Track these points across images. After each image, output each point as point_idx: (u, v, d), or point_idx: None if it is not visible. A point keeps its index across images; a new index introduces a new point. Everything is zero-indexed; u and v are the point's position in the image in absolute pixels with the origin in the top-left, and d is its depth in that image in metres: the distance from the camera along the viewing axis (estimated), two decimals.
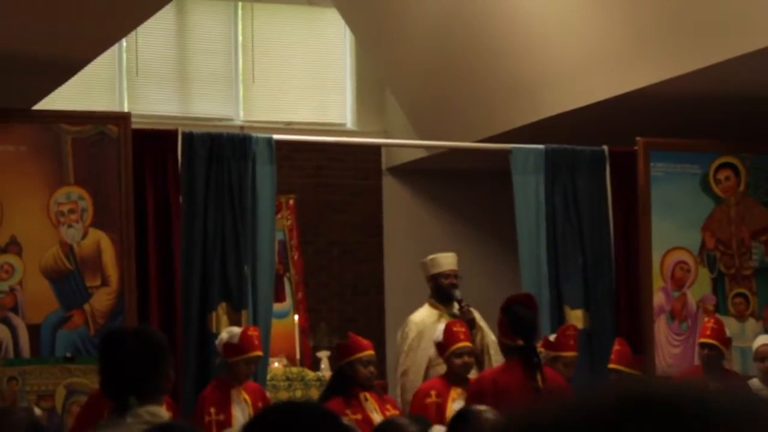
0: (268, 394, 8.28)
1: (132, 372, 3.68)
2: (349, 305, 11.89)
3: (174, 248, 8.50)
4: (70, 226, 8.30)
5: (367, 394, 7.69)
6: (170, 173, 8.57)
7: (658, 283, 9.27)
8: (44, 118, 8.44)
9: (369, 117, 12.15)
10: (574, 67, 9.24)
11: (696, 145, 9.49)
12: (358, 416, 7.46)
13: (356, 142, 11.38)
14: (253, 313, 8.57)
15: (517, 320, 7.05)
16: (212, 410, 7.62)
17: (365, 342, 7.84)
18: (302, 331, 10.59)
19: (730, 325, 8.77)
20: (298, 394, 9.59)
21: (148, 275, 8.44)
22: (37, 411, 7.65)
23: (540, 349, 7.86)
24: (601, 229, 9.33)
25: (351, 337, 7.91)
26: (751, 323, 9.43)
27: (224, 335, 7.90)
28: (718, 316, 9.03)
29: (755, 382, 8.46)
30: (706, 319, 9.08)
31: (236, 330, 7.94)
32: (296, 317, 10.63)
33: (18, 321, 8.17)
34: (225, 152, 8.68)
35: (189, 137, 8.68)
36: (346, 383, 7.66)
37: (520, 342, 7.02)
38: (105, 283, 8.31)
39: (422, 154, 11.49)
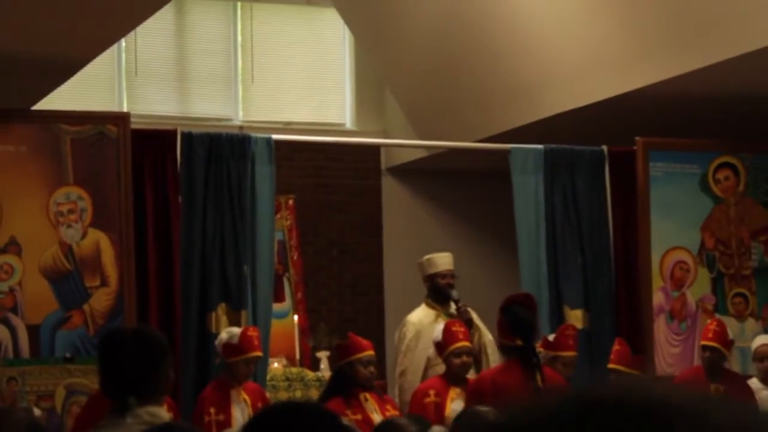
0: (267, 394, 8.28)
1: (132, 372, 3.68)
2: (349, 305, 11.89)
3: (173, 248, 8.50)
4: (69, 226, 8.30)
5: (367, 395, 7.69)
6: (169, 173, 8.56)
7: (657, 283, 9.27)
8: (43, 118, 8.44)
9: (368, 117, 12.15)
10: (574, 67, 9.24)
11: (695, 145, 9.49)
12: (358, 416, 7.45)
13: (355, 142, 11.38)
14: (253, 313, 8.57)
15: (515, 320, 7.06)
16: (212, 410, 7.62)
17: (365, 342, 7.83)
18: (302, 332, 10.59)
19: (730, 325, 8.77)
20: (298, 394, 9.58)
21: (147, 275, 8.44)
22: (37, 411, 7.66)
23: (539, 349, 7.86)
24: (600, 229, 9.33)
25: (351, 337, 7.91)
26: (751, 323, 9.44)
27: (224, 336, 7.89)
28: (720, 318, 9.01)
29: (755, 382, 8.46)
30: (708, 320, 9.08)
31: (236, 330, 7.93)
32: (296, 317, 10.62)
33: (17, 321, 8.17)
34: (224, 152, 8.67)
35: (188, 137, 8.68)
36: (346, 383, 7.65)
37: (519, 342, 7.03)
38: (104, 283, 8.31)
39: (422, 154, 11.49)
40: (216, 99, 11.79)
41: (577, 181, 9.35)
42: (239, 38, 11.82)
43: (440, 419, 7.46)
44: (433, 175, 11.96)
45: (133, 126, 8.53)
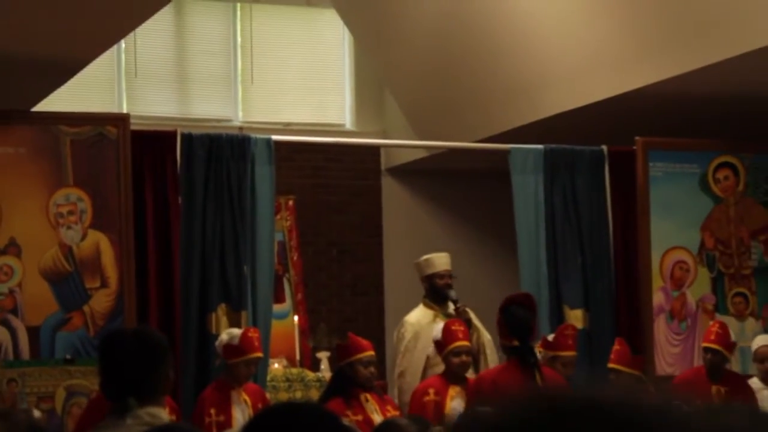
0: (267, 395, 8.28)
1: (132, 373, 3.68)
2: (349, 306, 11.89)
3: (173, 249, 8.49)
4: (69, 227, 8.30)
5: (368, 395, 7.69)
6: (169, 174, 8.57)
7: (657, 282, 9.27)
8: (43, 120, 8.43)
9: (368, 117, 12.15)
10: (573, 67, 9.23)
11: (695, 145, 9.49)
12: (359, 417, 7.45)
13: (355, 142, 11.37)
14: (253, 313, 8.57)
15: (512, 321, 7.08)
16: (212, 411, 7.62)
17: (365, 342, 7.83)
18: (302, 332, 10.58)
19: (730, 325, 8.77)
20: (298, 395, 9.58)
21: (147, 276, 8.44)
22: (37, 413, 7.66)
23: (539, 349, 7.87)
24: (600, 229, 9.33)
25: (351, 337, 7.91)
26: (751, 323, 9.43)
27: (224, 337, 7.89)
28: (722, 320, 8.99)
29: (755, 382, 8.46)
30: (708, 320, 9.08)
31: (236, 331, 7.93)
32: (296, 318, 10.62)
33: (17, 323, 8.17)
34: (224, 153, 8.67)
35: (188, 138, 8.68)
36: (347, 384, 7.65)
37: (516, 342, 7.05)
38: (104, 284, 8.31)
39: (421, 154, 11.49)
40: (216, 100, 11.79)
41: (577, 181, 9.35)
42: (239, 39, 11.82)
43: (440, 418, 7.47)
44: (433, 176, 11.96)
45: (133, 127, 8.53)
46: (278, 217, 10.09)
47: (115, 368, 3.74)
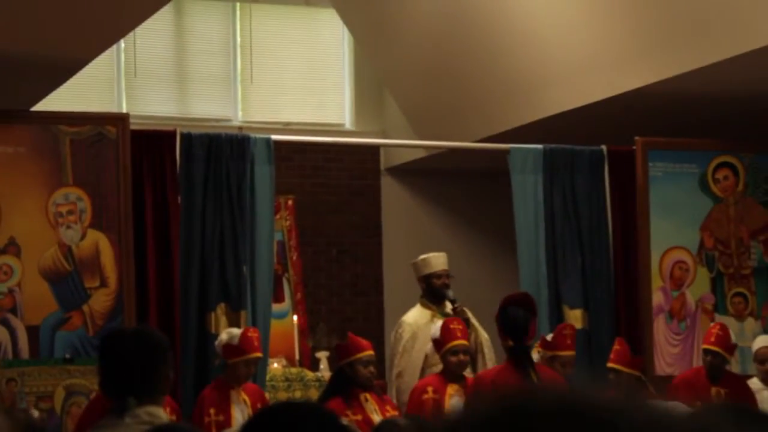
0: (267, 395, 8.28)
1: (131, 372, 3.68)
2: (348, 305, 11.89)
3: (173, 249, 8.49)
4: (68, 227, 8.30)
5: (367, 395, 7.68)
6: (169, 174, 8.56)
7: (656, 282, 9.27)
8: (43, 119, 8.43)
9: (367, 117, 12.14)
10: (573, 67, 9.23)
11: (694, 145, 9.49)
12: (359, 417, 7.45)
13: (355, 142, 11.37)
14: (252, 313, 8.57)
15: (508, 321, 7.11)
16: (212, 411, 7.62)
17: (365, 342, 7.83)
18: (301, 332, 10.58)
19: (729, 324, 8.77)
20: (298, 394, 9.58)
21: (146, 276, 8.44)
22: (35, 413, 7.66)
23: (538, 348, 7.87)
24: (599, 229, 9.33)
25: (350, 337, 7.90)
26: (750, 322, 9.43)
27: (224, 336, 7.89)
28: (722, 320, 8.99)
29: (755, 382, 8.46)
30: (708, 320, 9.08)
31: (236, 331, 7.93)
32: (295, 318, 10.62)
33: (17, 322, 8.16)
34: (223, 153, 8.67)
35: (187, 138, 8.68)
36: (346, 384, 7.65)
37: (510, 342, 7.07)
38: (104, 284, 8.31)
39: (421, 154, 11.49)
40: (215, 100, 11.79)
41: (577, 181, 9.35)
42: (238, 39, 11.82)
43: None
44: (432, 175, 11.95)
45: (133, 127, 8.53)
46: (278, 216, 10.09)
47: (115, 368, 3.74)
